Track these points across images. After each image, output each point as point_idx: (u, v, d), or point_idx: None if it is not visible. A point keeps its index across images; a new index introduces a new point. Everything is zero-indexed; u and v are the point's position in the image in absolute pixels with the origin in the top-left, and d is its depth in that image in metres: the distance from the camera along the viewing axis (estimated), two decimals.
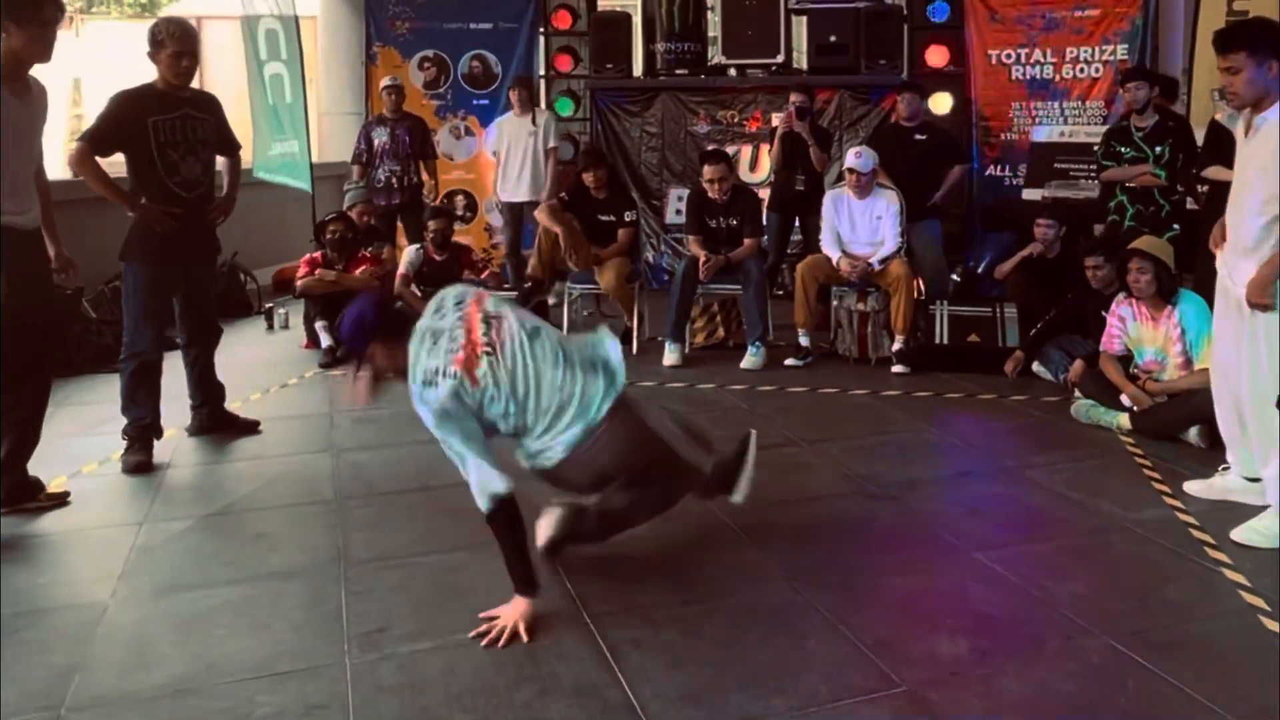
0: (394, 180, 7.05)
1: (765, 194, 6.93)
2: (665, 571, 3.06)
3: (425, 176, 7.23)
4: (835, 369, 5.60)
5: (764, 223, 6.29)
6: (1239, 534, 3.21)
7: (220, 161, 4.35)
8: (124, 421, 4.09)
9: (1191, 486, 3.65)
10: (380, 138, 7.06)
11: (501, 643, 2.62)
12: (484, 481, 2.69)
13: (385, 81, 7.30)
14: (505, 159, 7.29)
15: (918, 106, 6.45)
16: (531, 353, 2.78)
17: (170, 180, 4.01)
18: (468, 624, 2.73)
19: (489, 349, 2.73)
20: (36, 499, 3.57)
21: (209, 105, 4.21)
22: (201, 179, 4.13)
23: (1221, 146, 4.91)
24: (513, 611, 2.70)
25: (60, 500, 3.63)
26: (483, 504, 2.69)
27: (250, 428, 4.47)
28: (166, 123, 3.98)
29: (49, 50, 3.35)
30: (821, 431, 4.46)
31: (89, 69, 10.62)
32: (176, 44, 3.93)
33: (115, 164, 4.11)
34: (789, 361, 5.65)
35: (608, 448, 2.81)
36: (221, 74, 9.91)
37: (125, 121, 3.93)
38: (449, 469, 3.89)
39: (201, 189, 4.14)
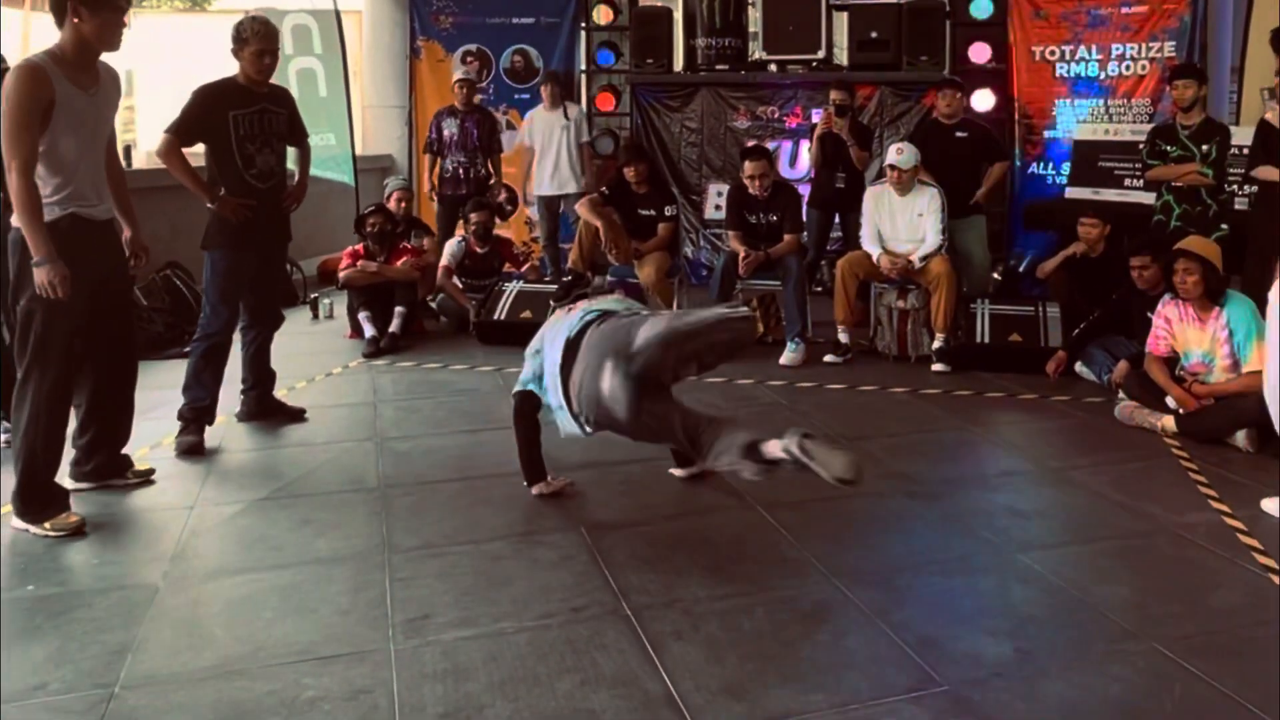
0: (461, 171, 7.13)
1: (805, 190, 6.91)
2: (705, 566, 3.07)
3: (492, 170, 7.32)
4: (875, 366, 5.58)
5: (804, 219, 6.27)
6: None
7: (291, 152, 4.46)
8: (178, 405, 4.18)
9: (1270, 505, 3.45)
10: (450, 128, 7.14)
11: None
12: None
13: (457, 75, 7.37)
14: (539, 153, 7.34)
15: (959, 104, 6.39)
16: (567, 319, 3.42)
17: (247, 172, 4.13)
18: (510, 613, 2.76)
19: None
20: (124, 476, 3.69)
21: (284, 100, 4.34)
22: (276, 170, 4.26)
23: (1270, 146, 4.84)
24: None
25: (146, 478, 3.73)
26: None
27: (296, 415, 4.55)
28: (245, 117, 4.10)
29: (119, 38, 3.30)
30: (861, 429, 4.45)
31: (140, 61, 10.78)
32: (261, 41, 4.05)
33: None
34: (828, 358, 5.63)
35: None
36: None
37: (208, 114, 4.05)
38: (490, 459, 3.99)
39: (275, 179, 4.26)
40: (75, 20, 3.18)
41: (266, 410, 4.52)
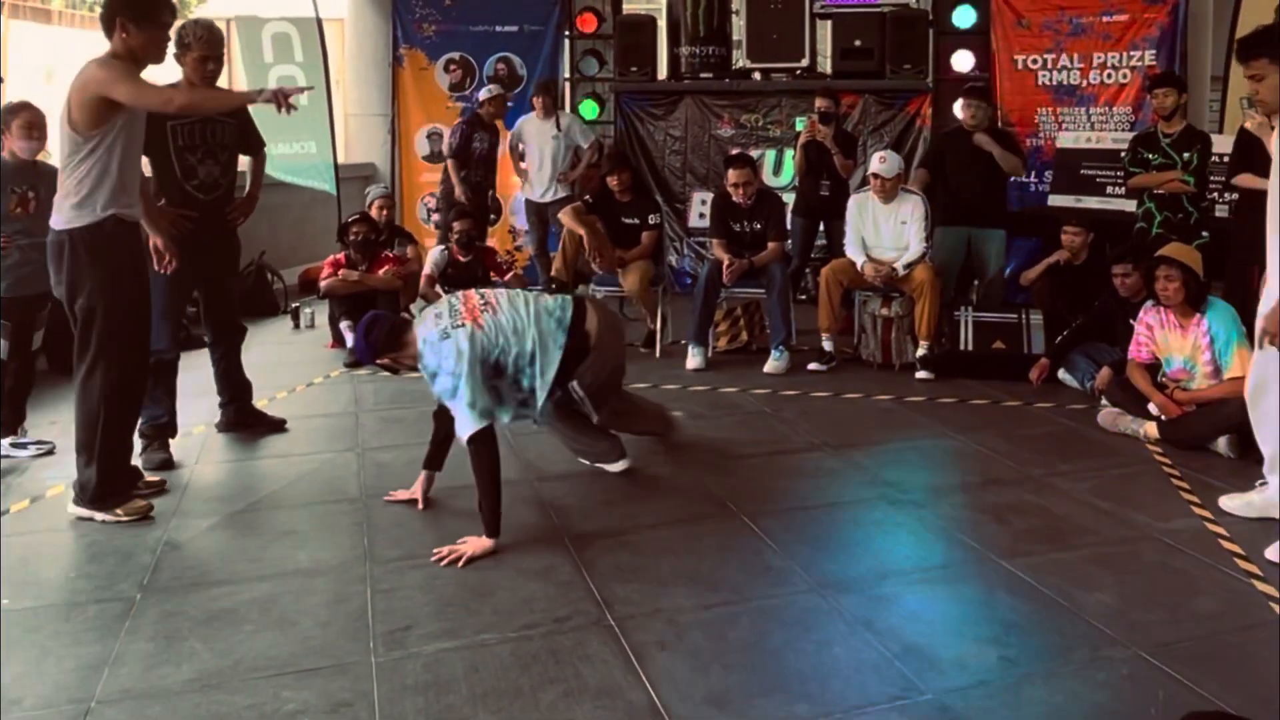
0: (483, 184, 7.16)
1: (789, 198, 6.92)
2: (689, 575, 3.05)
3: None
4: (859, 374, 5.58)
5: (788, 227, 6.27)
6: (1273, 552, 3.14)
7: (243, 160, 4.36)
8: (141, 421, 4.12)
9: (1228, 503, 3.55)
10: (480, 143, 7.10)
11: (461, 564, 3.10)
12: (469, 415, 3.20)
13: (492, 90, 7.23)
14: (533, 162, 7.32)
15: (985, 113, 6.34)
16: (514, 307, 3.47)
17: (187, 183, 4.04)
18: (493, 624, 2.74)
19: (486, 308, 3.41)
20: (137, 487, 3.64)
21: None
22: (220, 181, 4.16)
23: (1251, 154, 4.87)
24: (476, 545, 3.17)
25: (159, 489, 3.72)
26: (465, 431, 3.20)
27: (277, 425, 4.50)
28: (185, 127, 4.01)
29: (163, 52, 3.45)
30: (845, 437, 4.45)
31: None
32: (203, 48, 3.93)
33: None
34: (812, 366, 5.63)
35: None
36: None
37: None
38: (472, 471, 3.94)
39: (220, 191, 4.16)
40: (123, 35, 3.33)
41: (246, 421, 4.47)
